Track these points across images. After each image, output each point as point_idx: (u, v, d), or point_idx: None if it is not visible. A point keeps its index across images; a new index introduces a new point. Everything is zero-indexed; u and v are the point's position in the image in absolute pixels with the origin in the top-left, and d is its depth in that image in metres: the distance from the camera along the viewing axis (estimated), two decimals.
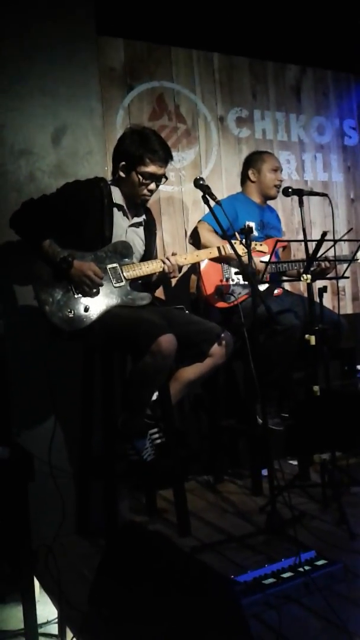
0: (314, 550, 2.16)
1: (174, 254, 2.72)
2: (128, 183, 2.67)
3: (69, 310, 2.47)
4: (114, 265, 2.61)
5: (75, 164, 2.92)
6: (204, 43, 4.02)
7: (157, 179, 2.68)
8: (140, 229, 2.81)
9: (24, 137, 2.83)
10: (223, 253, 2.87)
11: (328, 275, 3.15)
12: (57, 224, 2.54)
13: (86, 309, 2.50)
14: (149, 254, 2.81)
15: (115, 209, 2.68)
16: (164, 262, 2.67)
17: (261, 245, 3.05)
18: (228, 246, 2.80)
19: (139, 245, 2.79)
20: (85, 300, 2.51)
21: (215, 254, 2.87)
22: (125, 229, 2.72)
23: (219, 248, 2.86)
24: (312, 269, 3.20)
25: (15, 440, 2.62)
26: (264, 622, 1.81)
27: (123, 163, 2.65)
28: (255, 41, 4.10)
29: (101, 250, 2.60)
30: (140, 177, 2.64)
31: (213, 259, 3.13)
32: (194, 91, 4.02)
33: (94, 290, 2.53)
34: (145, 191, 2.68)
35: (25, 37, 2.83)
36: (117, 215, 2.69)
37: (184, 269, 3.18)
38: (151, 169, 2.63)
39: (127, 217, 2.74)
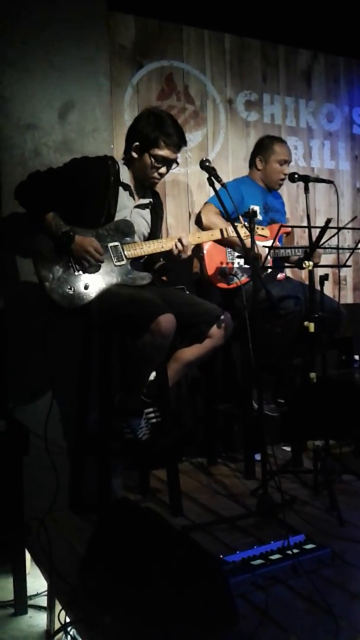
0: (303, 534, 2.17)
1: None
2: (139, 164, 2.66)
3: (68, 287, 2.47)
4: (116, 243, 2.60)
5: (81, 141, 2.89)
6: (216, 23, 3.97)
7: (169, 163, 2.67)
8: (147, 211, 2.79)
9: (31, 111, 2.80)
10: (225, 235, 2.87)
11: (330, 263, 3.14)
12: (62, 198, 2.52)
13: (86, 287, 2.50)
14: (153, 237, 2.80)
15: (121, 188, 2.66)
16: (180, 240, 2.65)
17: (263, 229, 3.04)
18: (230, 229, 2.79)
19: (143, 227, 2.78)
20: (85, 278, 2.51)
21: (218, 236, 2.87)
22: (130, 209, 2.71)
23: (221, 230, 2.86)
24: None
25: (11, 415, 2.65)
26: (250, 601, 1.83)
27: (137, 143, 2.64)
28: (268, 24, 4.05)
29: (103, 228, 2.59)
30: (152, 159, 2.62)
31: (217, 242, 3.13)
32: (204, 72, 3.98)
33: (94, 267, 2.52)
34: (155, 174, 2.67)
35: (35, 10, 2.79)
36: (123, 194, 2.68)
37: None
38: (164, 152, 2.62)
39: (133, 198, 2.73)
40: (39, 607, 2.36)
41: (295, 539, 2.13)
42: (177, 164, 2.72)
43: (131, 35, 3.73)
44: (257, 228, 2.96)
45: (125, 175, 2.68)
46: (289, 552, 2.02)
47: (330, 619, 1.71)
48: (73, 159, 2.65)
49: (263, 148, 3.48)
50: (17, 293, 2.76)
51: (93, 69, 2.93)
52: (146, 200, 2.78)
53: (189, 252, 2.72)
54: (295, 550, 2.04)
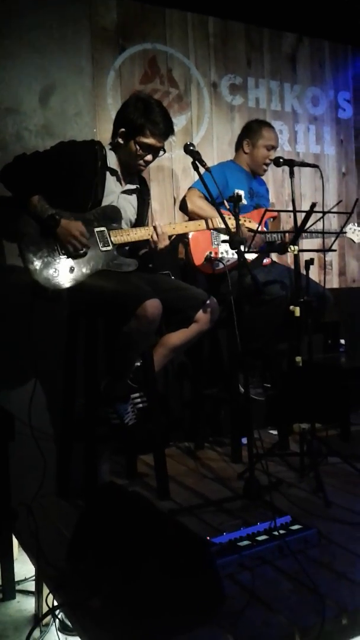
0: (289, 516, 2.19)
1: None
2: (125, 151, 2.64)
3: (53, 269, 2.45)
4: (102, 229, 2.58)
5: (63, 125, 2.87)
6: (200, 6, 3.93)
7: (155, 151, 2.65)
8: (133, 197, 2.78)
9: (12, 95, 2.78)
10: (211, 226, 2.86)
11: (315, 248, 3.14)
12: (48, 181, 2.50)
13: (71, 270, 2.48)
14: (140, 223, 2.78)
15: (108, 173, 2.64)
16: (155, 228, 2.63)
17: (250, 222, 3.04)
18: (218, 220, 2.78)
19: (130, 213, 2.76)
20: (70, 262, 2.49)
21: (204, 227, 2.86)
22: (117, 194, 2.69)
23: (206, 221, 2.85)
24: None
25: None
26: (238, 582, 1.84)
27: (123, 130, 2.61)
28: (252, 6, 4.02)
29: (89, 213, 2.57)
30: (137, 146, 2.60)
31: None
32: (188, 55, 3.94)
33: (80, 251, 2.50)
34: (140, 161, 2.65)
35: None
36: (110, 179, 2.66)
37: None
38: (150, 140, 2.60)
39: (120, 183, 2.71)
40: (26, 592, 2.37)
41: (282, 520, 2.14)
42: (164, 151, 2.70)
43: (113, 17, 3.68)
44: (245, 220, 2.96)
45: (112, 160, 2.66)
46: (276, 533, 2.04)
47: (316, 598, 1.73)
48: (60, 142, 2.62)
49: (251, 131, 3.45)
50: (0, 275, 2.74)
51: (75, 52, 2.91)
52: (133, 186, 2.76)
53: (166, 242, 2.66)
54: (281, 531, 2.05)
